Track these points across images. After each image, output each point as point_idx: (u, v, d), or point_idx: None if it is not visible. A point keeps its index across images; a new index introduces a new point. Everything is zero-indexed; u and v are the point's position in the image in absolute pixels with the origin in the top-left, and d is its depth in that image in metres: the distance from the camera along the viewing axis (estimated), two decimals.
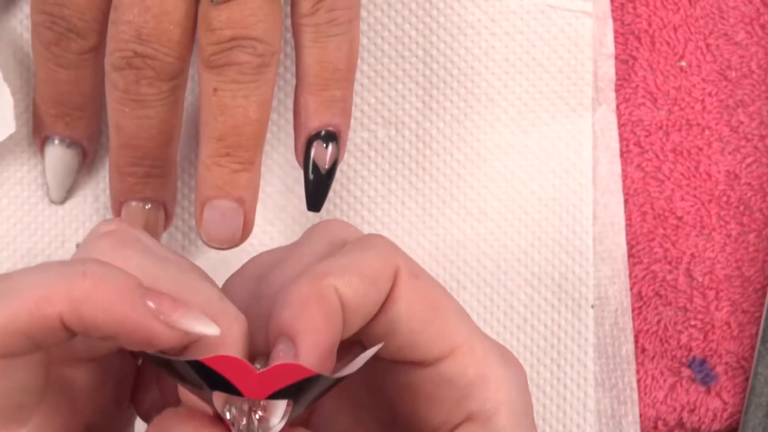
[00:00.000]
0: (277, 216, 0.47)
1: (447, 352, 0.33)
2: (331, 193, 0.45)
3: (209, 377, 0.30)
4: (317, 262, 0.33)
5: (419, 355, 0.33)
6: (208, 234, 0.41)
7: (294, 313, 0.31)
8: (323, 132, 0.42)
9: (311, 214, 0.47)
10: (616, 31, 0.49)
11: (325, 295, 0.31)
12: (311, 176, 0.43)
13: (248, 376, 0.30)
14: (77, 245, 0.45)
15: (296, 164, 0.47)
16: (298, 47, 0.42)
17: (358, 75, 0.44)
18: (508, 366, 0.33)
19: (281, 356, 0.31)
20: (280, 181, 0.47)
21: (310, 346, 0.30)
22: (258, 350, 0.32)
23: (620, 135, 0.50)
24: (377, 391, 0.35)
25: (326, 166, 0.42)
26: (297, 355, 0.30)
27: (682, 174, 0.50)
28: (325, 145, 0.42)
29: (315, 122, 0.42)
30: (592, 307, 0.48)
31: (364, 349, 0.33)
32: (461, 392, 0.32)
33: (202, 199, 0.41)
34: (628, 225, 0.49)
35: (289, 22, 0.44)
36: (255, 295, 0.34)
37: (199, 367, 0.30)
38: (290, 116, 0.47)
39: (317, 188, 0.43)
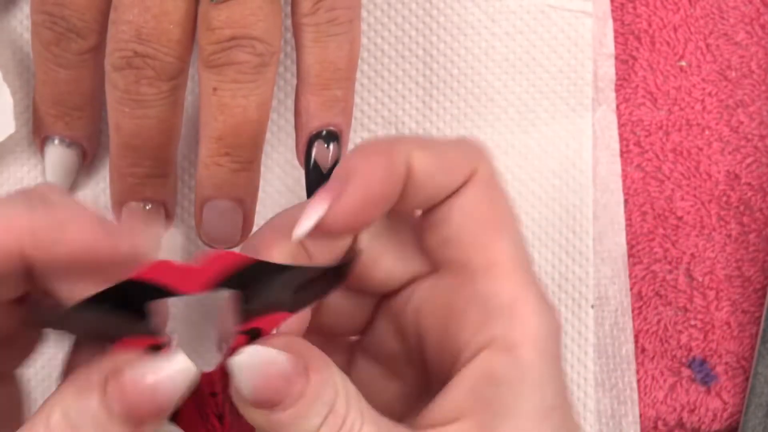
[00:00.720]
0: None
1: (488, 265, 0.32)
2: None
3: (139, 295, 0.29)
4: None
5: (462, 256, 0.32)
6: (208, 234, 0.41)
7: (359, 157, 0.31)
8: (324, 132, 0.42)
9: None
10: (616, 31, 0.49)
11: (395, 155, 0.31)
12: (312, 176, 0.43)
13: (184, 276, 0.29)
14: None
15: (296, 164, 0.47)
16: (298, 47, 0.42)
17: (358, 75, 0.44)
18: (544, 306, 0.32)
19: (322, 193, 0.31)
20: (280, 181, 0.47)
21: (357, 189, 0.31)
22: None
23: (620, 135, 0.50)
24: (411, 328, 0.35)
25: (328, 166, 0.42)
26: (339, 195, 0.31)
27: (682, 174, 0.50)
28: (326, 144, 0.42)
29: (316, 122, 0.42)
30: (592, 307, 0.48)
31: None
32: (490, 313, 0.32)
33: (201, 198, 0.41)
34: (628, 225, 0.49)
35: (289, 22, 0.44)
36: None
37: (128, 288, 0.29)
38: (290, 116, 0.47)
39: (319, 188, 0.43)
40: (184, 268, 0.29)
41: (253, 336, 0.31)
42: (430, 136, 0.33)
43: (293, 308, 0.32)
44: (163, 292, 0.29)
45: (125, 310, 0.30)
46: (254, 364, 0.29)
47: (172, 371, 0.29)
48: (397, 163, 0.31)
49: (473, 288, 0.32)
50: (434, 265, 0.34)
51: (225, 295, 0.30)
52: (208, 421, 0.32)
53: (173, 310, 0.30)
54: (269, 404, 0.30)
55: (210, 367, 0.30)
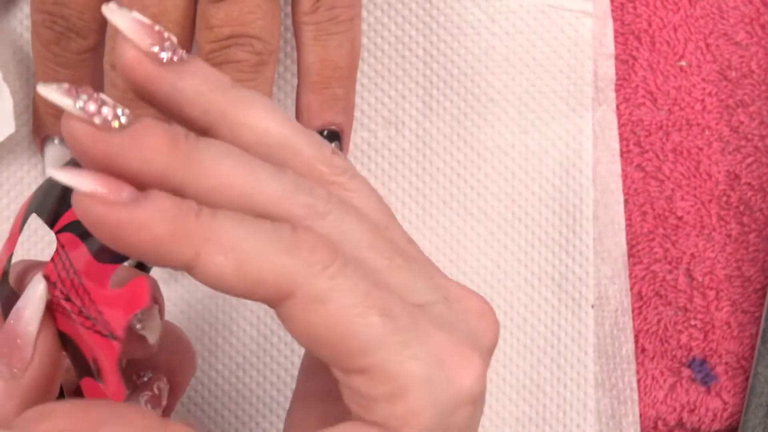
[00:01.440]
0: None
1: (359, 369, 0.30)
2: None
3: None
4: None
5: (331, 362, 0.31)
6: None
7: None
8: (326, 131, 0.42)
9: None
10: (616, 31, 0.49)
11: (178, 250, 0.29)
12: None
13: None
14: None
15: None
16: (299, 46, 0.42)
17: (358, 75, 0.44)
18: (439, 385, 0.30)
19: None
20: None
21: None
22: None
23: (620, 135, 0.50)
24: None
25: None
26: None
27: (682, 174, 0.50)
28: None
29: (317, 121, 0.42)
30: (592, 307, 0.48)
31: None
32: (370, 404, 0.30)
33: None
34: (628, 225, 0.49)
35: (289, 21, 0.44)
36: None
37: None
38: (290, 116, 0.47)
39: None
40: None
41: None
42: (244, 226, 0.31)
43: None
44: None
45: None
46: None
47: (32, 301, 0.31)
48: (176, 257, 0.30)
49: (347, 379, 0.31)
50: None
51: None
52: (76, 322, 0.32)
53: None
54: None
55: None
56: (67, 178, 0.28)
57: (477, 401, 0.31)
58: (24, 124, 0.46)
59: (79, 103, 0.28)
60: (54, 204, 0.32)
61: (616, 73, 0.49)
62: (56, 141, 0.44)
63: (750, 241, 0.50)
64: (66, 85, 0.29)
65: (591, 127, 0.49)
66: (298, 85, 0.42)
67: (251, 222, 0.30)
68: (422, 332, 0.31)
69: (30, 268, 0.34)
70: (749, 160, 0.50)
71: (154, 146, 0.29)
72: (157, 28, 0.29)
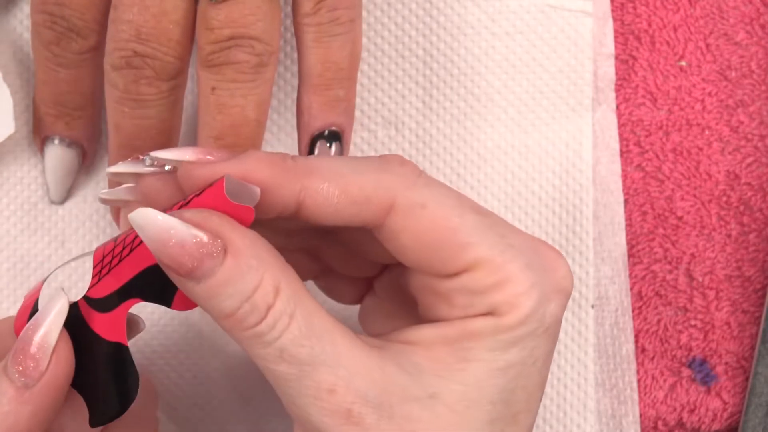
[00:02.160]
0: None
1: (464, 268, 0.33)
2: None
3: None
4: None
5: (435, 271, 0.33)
6: None
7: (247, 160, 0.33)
8: (327, 132, 0.42)
9: None
10: (616, 31, 0.49)
11: (289, 182, 0.32)
12: None
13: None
14: None
15: None
16: (300, 47, 0.42)
17: (358, 75, 0.44)
18: (535, 272, 0.33)
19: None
20: None
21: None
22: None
23: (620, 135, 0.50)
24: (401, 287, 0.37)
25: None
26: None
27: (682, 174, 0.50)
28: (328, 144, 0.42)
29: (318, 122, 0.42)
30: (593, 307, 0.48)
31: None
32: (478, 297, 0.33)
33: None
34: (628, 225, 0.49)
35: (288, 22, 0.44)
36: None
37: None
38: (290, 116, 0.47)
39: None
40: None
41: None
42: (344, 161, 0.34)
43: None
44: None
45: None
46: (146, 225, 0.31)
47: (49, 317, 0.33)
48: (286, 191, 0.33)
49: (455, 282, 0.33)
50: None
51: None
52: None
53: None
54: (174, 270, 0.31)
55: None
56: (169, 154, 0.33)
57: (568, 295, 0.34)
58: (24, 124, 0.45)
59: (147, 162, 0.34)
60: None
61: (616, 73, 0.49)
62: (56, 141, 0.44)
63: (750, 241, 0.50)
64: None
65: (591, 127, 0.49)
66: (299, 86, 0.42)
67: (343, 157, 0.34)
68: (517, 230, 0.34)
69: None
70: (749, 160, 0.50)
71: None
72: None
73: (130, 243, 0.32)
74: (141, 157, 0.34)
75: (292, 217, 0.33)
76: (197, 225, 0.31)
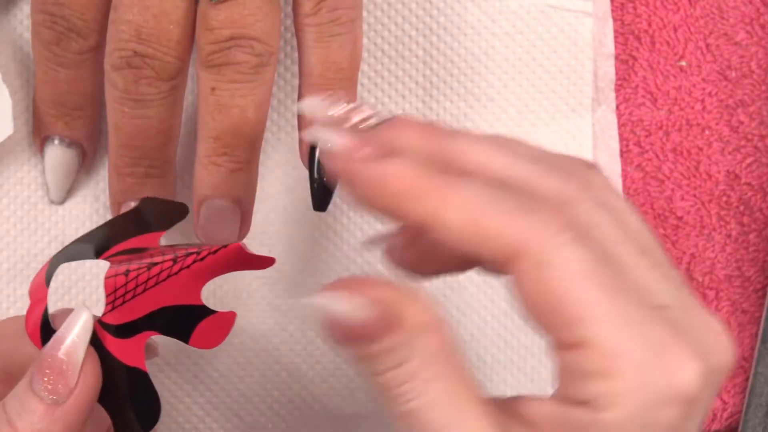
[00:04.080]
0: (278, 216, 0.47)
1: (574, 342, 0.30)
2: None
3: None
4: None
5: (547, 335, 0.31)
6: (205, 233, 0.41)
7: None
8: None
9: (311, 214, 0.47)
10: (616, 31, 0.49)
11: (422, 212, 0.30)
12: (317, 177, 0.42)
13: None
14: None
15: (297, 164, 0.47)
16: (301, 47, 0.42)
17: (358, 75, 0.44)
18: (653, 371, 0.30)
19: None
20: (280, 181, 0.47)
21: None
22: None
23: (620, 135, 0.50)
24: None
25: None
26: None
27: (682, 174, 0.50)
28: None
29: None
30: None
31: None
32: (579, 381, 0.30)
33: (198, 198, 0.41)
34: None
35: (289, 22, 0.44)
36: None
37: None
38: (290, 116, 0.47)
39: (323, 189, 0.43)
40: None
41: None
42: (484, 189, 0.31)
43: None
44: None
45: None
46: (328, 316, 0.30)
47: (74, 332, 0.33)
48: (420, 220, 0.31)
49: (561, 354, 0.31)
50: None
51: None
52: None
53: None
54: (339, 341, 0.30)
55: None
56: (324, 134, 0.31)
57: (691, 404, 0.30)
58: (24, 124, 0.46)
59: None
60: (102, 240, 0.34)
61: (616, 73, 0.49)
62: (56, 141, 0.44)
63: (750, 241, 0.50)
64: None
65: (591, 127, 0.49)
66: (300, 87, 0.42)
67: (494, 187, 0.31)
68: (647, 319, 0.30)
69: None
70: (749, 160, 0.50)
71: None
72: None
73: (143, 282, 0.33)
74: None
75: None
76: (377, 300, 0.30)
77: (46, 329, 0.34)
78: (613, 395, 0.29)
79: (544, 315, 0.30)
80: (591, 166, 0.33)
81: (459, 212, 0.30)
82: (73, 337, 0.33)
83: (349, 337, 0.30)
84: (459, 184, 0.30)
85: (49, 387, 0.32)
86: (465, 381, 0.31)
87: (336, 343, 0.30)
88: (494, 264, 0.31)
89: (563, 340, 0.30)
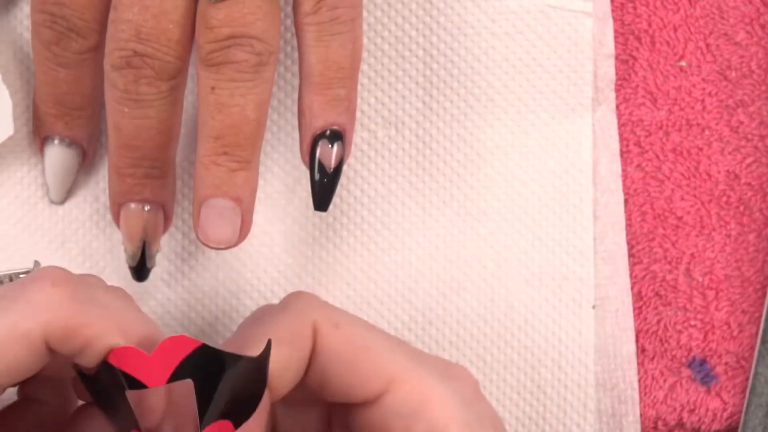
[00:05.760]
0: (278, 216, 0.47)
1: (384, 387, 0.34)
2: None
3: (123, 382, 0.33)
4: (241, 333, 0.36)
5: (359, 395, 0.34)
6: (205, 233, 0.41)
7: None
8: (328, 131, 0.42)
9: (311, 214, 0.47)
10: (616, 31, 0.49)
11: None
12: (317, 176, 0.42)
13: (143, 362, 0.33)
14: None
15: (296, 164, 0.47)
16: (301, 47, 0.42)
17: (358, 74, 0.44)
18: (450, 381, 0.34)
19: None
20: (280, 181, 0.47)
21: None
22: None
23: (620, 135, 0.50)
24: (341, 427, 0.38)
25: (332, 166, 0.42)
26: None
27: (682, 174, 0.50)
28: (330, 144, 0.42)
29: (320, 122, 0.42)
30: (593, 307, 0.48)
31: None
32: (410, 419, 0.34)
33: (199, 198, 0.41)
34: (628, 225, 0.49)
35: (288, 22, 0.44)
36: None
37: (108, 371, 0.33)
38: (290, 116, 0.47)
39: (324, 188, 0.43)
40: (142, 358, 0.33)
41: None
42: (260, 319, 0.36)
43: (236, 419, 0.34)
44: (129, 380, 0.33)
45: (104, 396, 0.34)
46: None
47: None
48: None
49: (382, 407, 0.34)
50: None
51: (183, 387, 0.34)
52: None
53: (138, 402, 0.34)
54: None
55: None
56: None
57: (476, 390, 0.36)
58: (24, 124, 0.45)
59: None
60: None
61: (616, 73, 0.49)
62: (56, 141, 0.44)
63: (749, 241, 0.50)
64: None
65: (591, 127, 0.49)
66: (300, 86, 0.42)
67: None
68: (420, 351, 0.36)
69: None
70: (749, 160, 0.50)
71: None
72: None
73: None
74: None
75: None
76: None
77: None
78: (445, 420, 0.33)
79: (350, 371, 0.35)
80: None
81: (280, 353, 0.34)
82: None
83: None
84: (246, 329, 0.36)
85: None
86: None
87: None
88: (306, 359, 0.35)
89: (375, 388, 0.34)
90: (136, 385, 0.33)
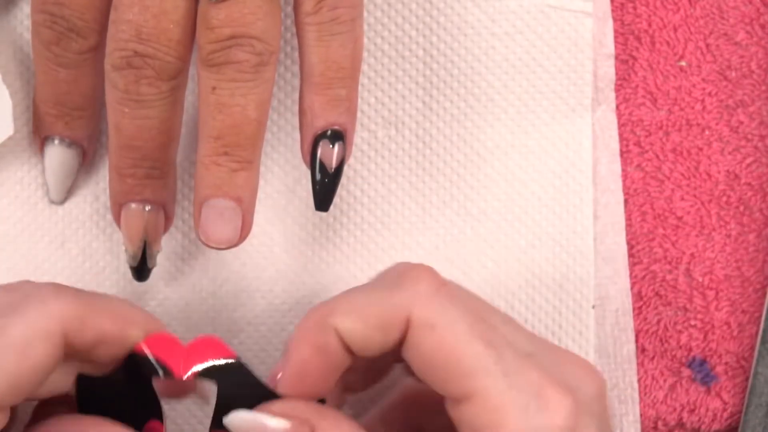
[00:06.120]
0: (278, 216, 0.47)
1: (462, 397, 0.34)
2: None
3: (145, 368, 0.35)
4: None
5: (438, 390, 0.35)
6: (206, 234, 0.41)
7: (293, 338, 0.36)
8: (329, 131, 0.42)
9: (311, 214, 0.47)
10: (616, 31, 0.49)
11: (321, 331, 0.35)
12: (318, 176, 0.42)
13: (178, 352, 0.35)
14: None
15: (297, 164, 0.47)
16: (301, 47, 0.42)
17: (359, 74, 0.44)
18: (534, 414, 0.34)
19: (276, 367, 0.36)
20: (280, 181, 0.47)
21: (292, 369, 0.36)
22: None
23: (620, 135, 0.50)
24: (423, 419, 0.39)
25: (333, 166, 0.42)
26: (281, 375, 0.36)
27: (682, 174, 0.50)
28: (331, 144, 0.42)
29: (321, 122, 0.42)
30: (593, 307, 0.48)
31: None
32: (476, 430, 0.34)
33: (199, 198, 0.41)
34: (628, 225, 0.49)
35: (289, 22, 0.44)
36: None
37: (134, 362, 0.34)
38: (290, 116, 0.47)
39: (325, 188, 0.43)
40: (177, 347, 0.35)
41: None
42: (361, 289, 0.37)
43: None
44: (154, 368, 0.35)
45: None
46: (244, 427, 0.35)
47: None
48: (324, 340, 0.35)
49: (457, 410, 0.35)
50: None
51: (206, 388, 0.37)
52: None
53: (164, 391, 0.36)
54: None
55: None
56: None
57: (572, 430, 0.34)
58: (24, 124, 0.45)
59: None
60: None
61: (616, 73, 0.49)
62: (56, 141, 0.44)
63: (749, 241, 0.50)
64: None
65: (591, 127, 0.49)
66: (301, 86, 0.42)
67: (362, 286, 0.37)
68: (522, 366, 0.34)
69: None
70: (749, 160, 0.50)
71: None
72: None
73: None
74: None
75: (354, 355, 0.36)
76: (286, 415, 0.35)
77: None
78: None
79: (435, 373, 0.34)
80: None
81: (349, 324, 0.35)
82: None
83: None
84: (335, 303, 0.36)
85: None
86: None
87: None
88: (397, 343, 0.35)
89: (454, 394, 0.34)
90: (168, 374, 0.35)
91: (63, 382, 0.37)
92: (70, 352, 0.35)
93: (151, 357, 0.35)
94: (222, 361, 0.35)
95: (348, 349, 0.35)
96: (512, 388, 0.34)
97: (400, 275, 0.36)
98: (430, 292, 0.35)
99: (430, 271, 0.36)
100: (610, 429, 0.36)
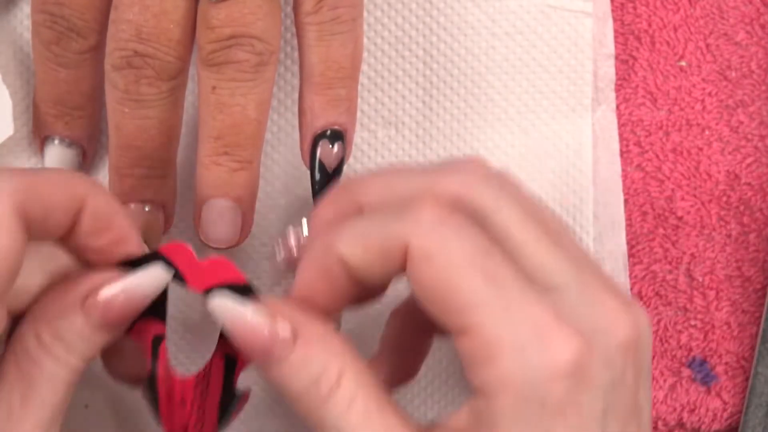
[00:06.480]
0: (278, 216, 0.47)
1: (459, 330, 0.32)
2: None
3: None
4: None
5: (438, 322, 0.33)
6: (206, 233, 0.41)
7: (301, 266, 0.36)
8: (329, 131, 0.42)
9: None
10: (616, 31, 0.50)
11: (326, 256, 0.35)
12: (318, 176, 0.42)
13: (194, 267, 0.36)
14: None
15: (297, 164, 0.47)
16: (301, 46, 0.42)
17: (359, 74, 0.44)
18: (532, 354, 0.31)
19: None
20: (279, 181, 0.47)
21: (297, 292, 0.36)
22: None
23: (620, 135, 0.50)
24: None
25: (333, 166, 0.42)
26: (287, 299, 0.36)
27: (682, 174, 0.50)
28: (331, 144, 0.42)
29: (321, 121, 0.42)
30: None
31: None
32: (471, 366, 0.32)
33: (200, 198, 0.41)
34: (628, 225, 0.49)
35: (288, 22, 0.44)
36: None
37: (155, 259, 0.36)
38: (290, 116, 0.47)
39: (324, 188, 0.43)
40: (195, 262, 0.36)
41: (228, 362, 0.37)
42: (369, 215, 0.36)
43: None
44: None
45: None
46: (225, 312, 0.34)
47: (143, 280, 0.35)
48: (329, 266, 0.35)
49: (457, 340, 0.33)
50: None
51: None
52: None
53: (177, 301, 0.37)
54: (250, 353, 0.34)
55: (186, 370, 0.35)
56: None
57: (578, 378, 0.31)
58: (24, 124, 0.45)
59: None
60: None
61: (616, 73, 0.50)
62: (56, 141, 0.44)
63: (750, 241, 0.50)
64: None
65: (591, 127, 0.49)
66: (301, 86, 0.42)
67: (370, 213, 0.36)
68: (528, 302, 0.32)
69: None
70: (749, 160, 0.50)
71: None
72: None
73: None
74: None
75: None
76: (270, 313, 0.34)
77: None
78: (497, 381, 0.31)
79: (434, 304, 0.33)
80: (486, 162, 0.37)
81: (352, 249, 0.34)
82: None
83: (257, 347, 0.34)
84: (346, 222, 0.35)
85: None
86: (387, 403, 0.34)
87: (252, 356, 0.34)
88: (401, 270, 0.34)
89: (451, 327, 0.33)
90: (181, 282, 0.36)
91: (33, 281, 0.36)
92: (29, 228, 0.33)
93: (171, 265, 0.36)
94: (235, 285, 0.36)
95: (352, 275, 0.35)
96: (510, 325, 0.31)
97: (404, 205, 0.34)
98: (432, 221, 0.33)
99: (477, 178, 0.35)
100: (635, 389, 0.33)
